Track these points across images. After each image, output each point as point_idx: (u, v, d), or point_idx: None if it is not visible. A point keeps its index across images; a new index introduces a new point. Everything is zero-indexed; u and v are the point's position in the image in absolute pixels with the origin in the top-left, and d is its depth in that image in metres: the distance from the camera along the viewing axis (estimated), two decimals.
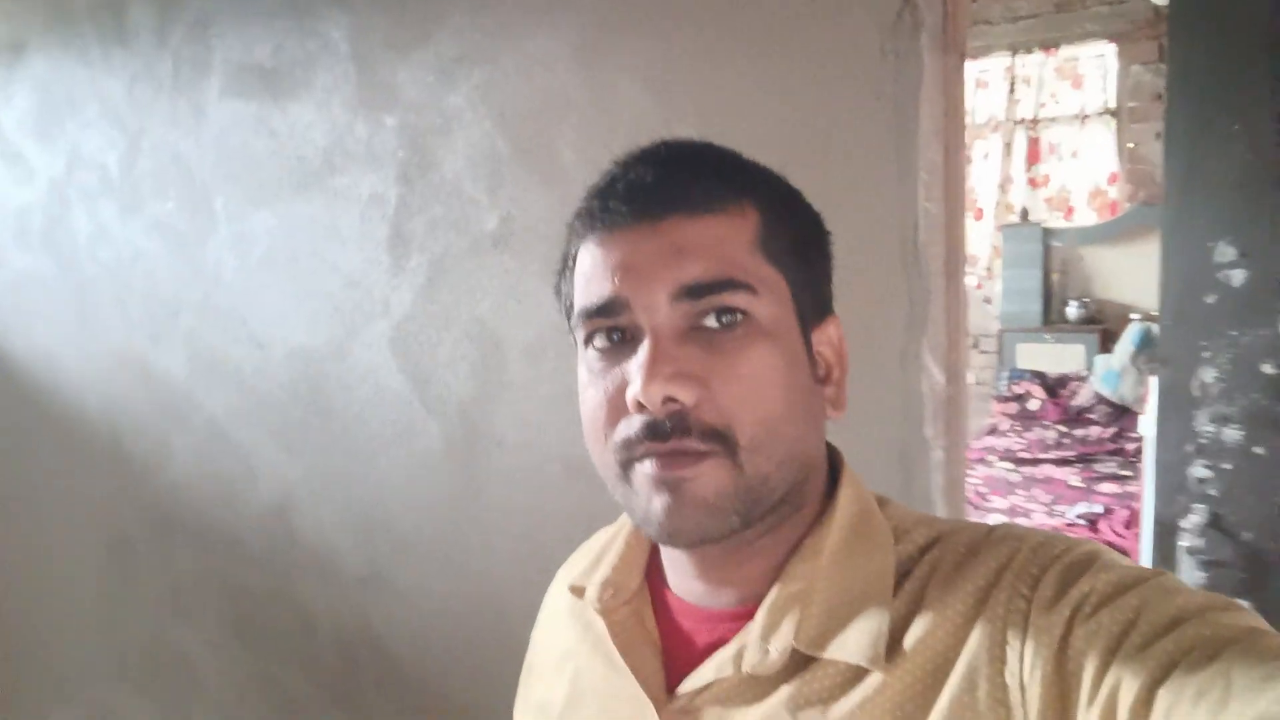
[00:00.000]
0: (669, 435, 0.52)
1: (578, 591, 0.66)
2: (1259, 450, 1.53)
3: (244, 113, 1.64)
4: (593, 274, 0.56)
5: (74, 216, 1.94)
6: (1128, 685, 0.44)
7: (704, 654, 0.58)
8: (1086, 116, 4.66)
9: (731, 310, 0.53)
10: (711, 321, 0.53)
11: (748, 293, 0.53)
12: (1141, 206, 4.41)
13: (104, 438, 2.02)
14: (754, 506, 0.54)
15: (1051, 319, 4.62)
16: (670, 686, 0.59)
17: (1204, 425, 1.58)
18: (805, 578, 0.56)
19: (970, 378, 2.99)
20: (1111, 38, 4.52)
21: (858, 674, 0.53)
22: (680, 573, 0.61)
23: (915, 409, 1.15)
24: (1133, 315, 4.30)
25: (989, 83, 4.85)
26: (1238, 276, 1.55)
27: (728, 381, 0.53)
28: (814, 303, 0.59)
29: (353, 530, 1.70)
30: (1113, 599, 0.47)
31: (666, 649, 0.61)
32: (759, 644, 0.55)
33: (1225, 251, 1.55)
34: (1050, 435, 3.82)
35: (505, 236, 1.42)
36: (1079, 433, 3.92)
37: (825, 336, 0.60)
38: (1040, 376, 4.24)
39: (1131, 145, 4.52)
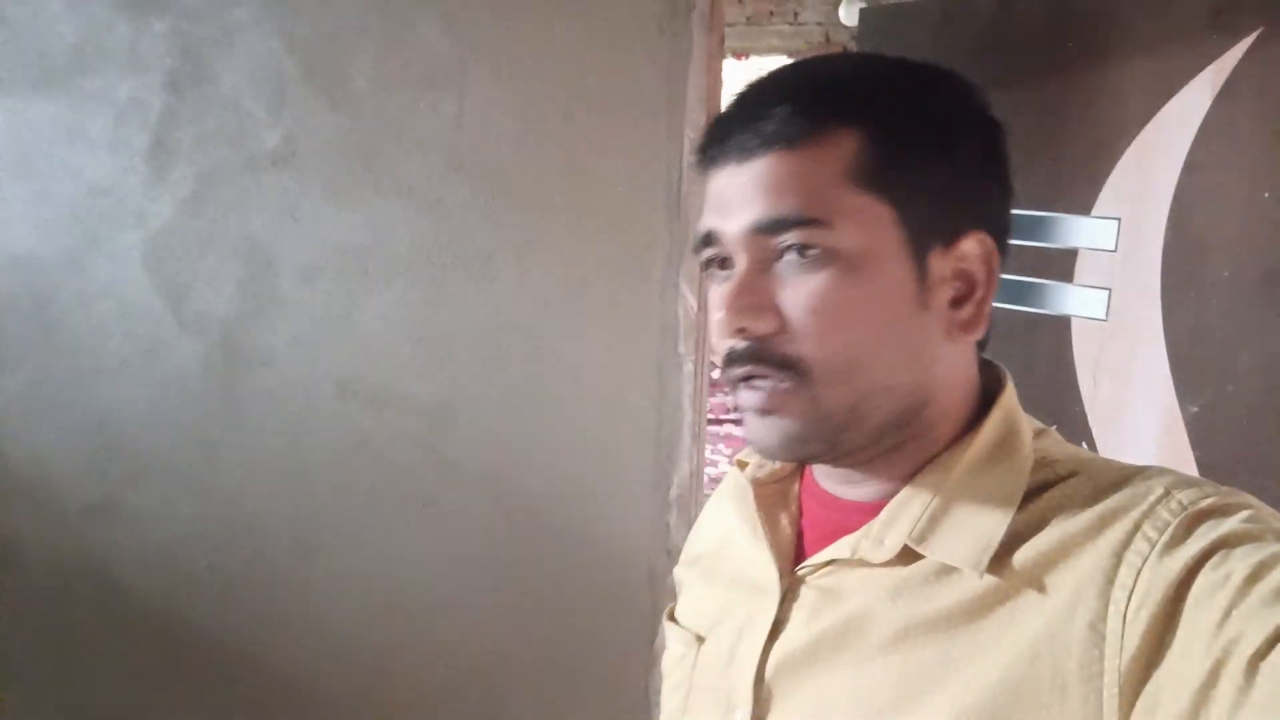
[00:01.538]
0: (743, 362, 0.56)
1: (741, 465, 0.72)
2: None
3: None
4: (704, 206, 0.60)
5: None
6: (1250, 636, 0.43)
7: (833, 538, 0.62)
8: None
9: (808, 245, 0.55)
10: (792, 255, 0.55)
11: (821, 228, 0.54)
12: None
13: None
14: (840, 434, 0.57)
15: None
16: (799, 561, 0.64)
17: None
18: (933, 486, 0.59)
19: None
20: (791, 54, 5.16)
21: (961, 576, 0.55)
22: (821, 468, 0.66)
23: (671, 329, 1.37)
24: None
25: None
26: None
27: (802, 315, 0.55)
28: (941, 222, 0.57)
29: (79, 455, 1.60)
30: (1247, 550, 0.47)
31: (803, 528, 0.67)
32: (876, 535, 0.59)
33: None
34: (730, 400, 4.35)
35: (286, 156, 1.43)
36: None
37: (958, 254, 0.58)
38: None
39: None
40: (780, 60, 5.29)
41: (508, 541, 1.46)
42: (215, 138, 1.45)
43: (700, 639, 0.70)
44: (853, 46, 4.76)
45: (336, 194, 1.42)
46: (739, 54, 5.34)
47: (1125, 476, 0.55)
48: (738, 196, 0.56)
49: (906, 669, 0.55)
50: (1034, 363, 1.65)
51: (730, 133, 0.57)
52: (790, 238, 0.55)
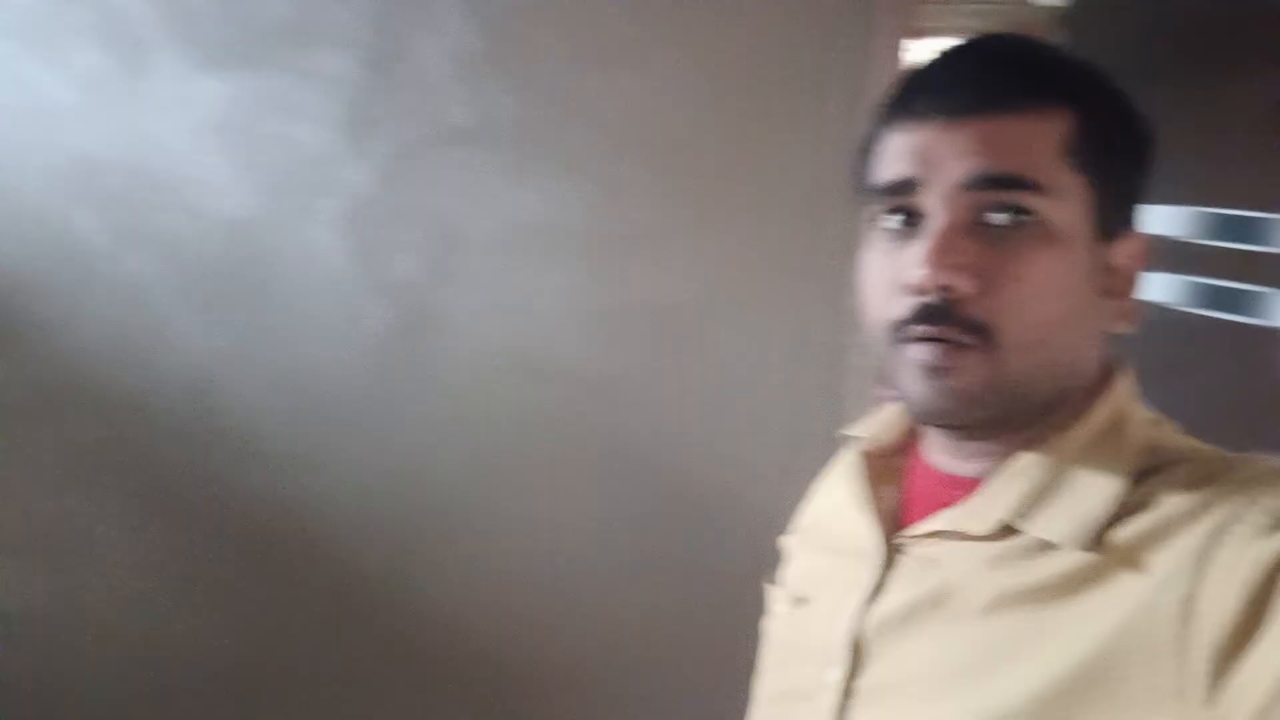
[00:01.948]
0: (934, 321, 0.56)
1: (848, 439, 0.75)
2: None
3: None
4: (892, 154, 0.59)
5: None
6: None
7: (936, 510, 0.64)
8: None
9: (1021, 209, 0.55)
10: (1000, 218, 0.55)
11: (1039, 194, 0.55)
12: None
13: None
14: (1011, 402, 0.58)
15: None
16: (902, 530, 0.66)
17: None
18: (1039, 465, 0.59)
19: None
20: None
21: (1059, 552, 0.56)
22: (934, 444, 0.67)
23: (843, 318, 1.34)
24: None
25: None
26: None
27: (1004, 281, 0.55)
28: (1118, 215, 0.59)
29: (279, 405, 1.74)
30: None
31: (906, 500, 0.69)
32: (978, 510, 0.60)
33: None
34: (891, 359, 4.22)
35: (475, 132, 1.49)
36: None
37: (1125, 250, 0.60)
38: None
39: None
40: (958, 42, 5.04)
41: (666, 522, 1.48)
42: (410, 113, 1.52)
43: (802, 601, 0.73)
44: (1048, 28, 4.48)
45: (517, 171, 1.47)
46: (916, 33, 5.11)
47: (1232, 464, 0.56)
48: (950, 151, 0.56)
49: (997, 635, 0.57)
50: (1235, 374, 1.51)
51: (944, 87, 0.57)
52: (1010, 199, 0.55)
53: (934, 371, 0.57)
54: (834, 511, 0.76)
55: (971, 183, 0.55)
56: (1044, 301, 0.56)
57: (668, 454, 1.47)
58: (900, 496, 0.69)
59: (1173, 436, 0.62)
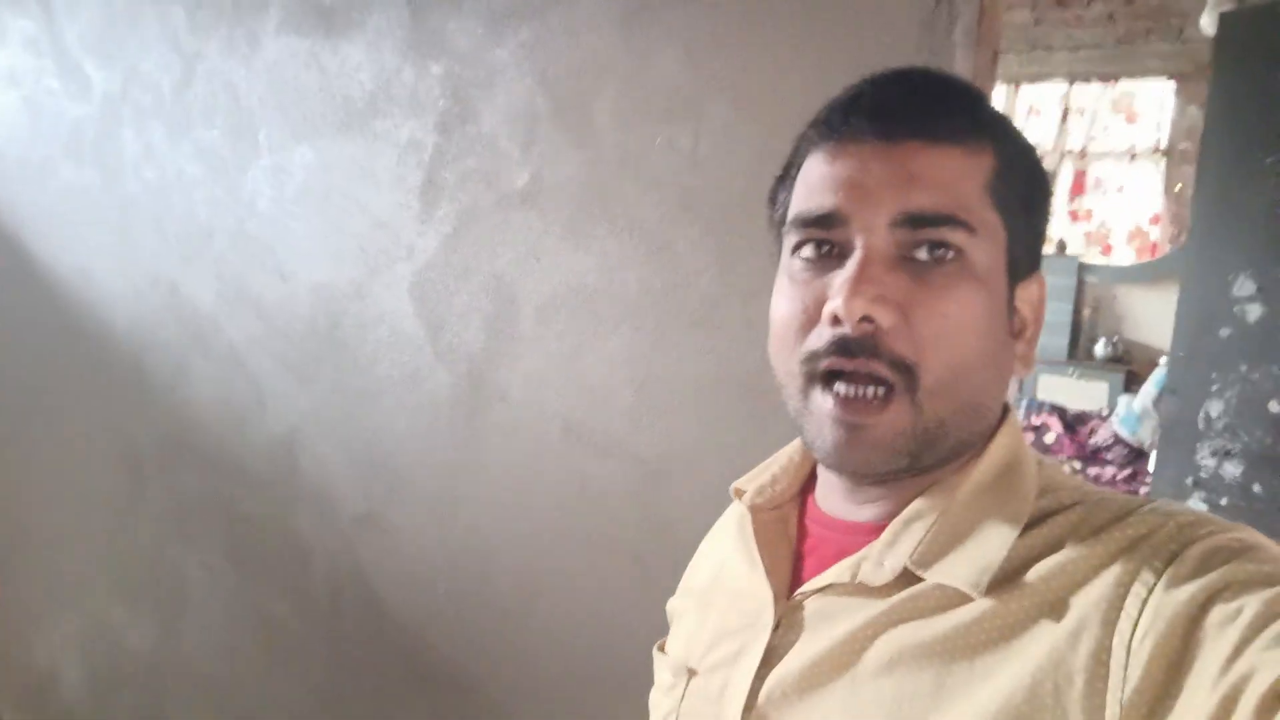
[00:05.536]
0: (857, 354, 0.53)
1: (738, 493, 0.71)
2: (1257, 488, 1.52)
3: (298, 48, 1.67)
4: (818, 184, 0.57)
5: (124, 134, 1.98)
6: (1262, 675, 0.41)
7: (833, 560, 0.60)
8: (1136, 154, 4.62)
9: (947, 246, 0.54)
10: (924, 254, 0.54)
11: (967, 232, 0.54)
12: (1182, 250, 4.39)
13: (127, 356, 2.06)
14: (926, 449, 0.56)
15: (1078, 354, 4.59)
16: (797, 587, 0.62)
17: (1205, 458, 1.58)
18: (936, 508, 0.57)
19: None
20: (1172, 76, 4.48)
21: (961, 600, 0.53)
22: (830, 490, 0.65)
23: None
24: (1162, 359, 4.27)
25: (1041, 110, 4.82)
26: (1254, 311, 1.54)
27: (928, 316, 0.53)
28: (1026, 257, 0.58)
29: (353, 467, 1.74)
30: (1259, 588, 0.45)
31: (802, 554, 0.66)
32: (876, 558, 0.57)
33: (1244, 285, 1.55)
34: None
35: (533, 194, 1.44)
36: (1093, 471, 3.90)
37: (1028, 293, 0.59)
38: (1060, 411, 4.22)
39: (1179, 187, 4.48)
40: (1159, 85, 4.60)
41: None
42: (474, 176, 1.50)
43: (691, 671, 0.68)
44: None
45: (574, 233, 1.40)
46: (1105, 79, 4.74)
47: (1130, 508, 0.54)
48: (881, 181, 0.54)
49: (900, 694, 0.53)
50: None
51: (878, 110, 0.55)
52: (939, 236, 0.53)
53: (850, 426, 0.55)
54: (721, 572, 0.72)
55: (901, 220, 0.54)
56: (964, 340, 0.54)
57: None
58: (794, 550, 0.66)
59: (1063, 475, 0.60)
